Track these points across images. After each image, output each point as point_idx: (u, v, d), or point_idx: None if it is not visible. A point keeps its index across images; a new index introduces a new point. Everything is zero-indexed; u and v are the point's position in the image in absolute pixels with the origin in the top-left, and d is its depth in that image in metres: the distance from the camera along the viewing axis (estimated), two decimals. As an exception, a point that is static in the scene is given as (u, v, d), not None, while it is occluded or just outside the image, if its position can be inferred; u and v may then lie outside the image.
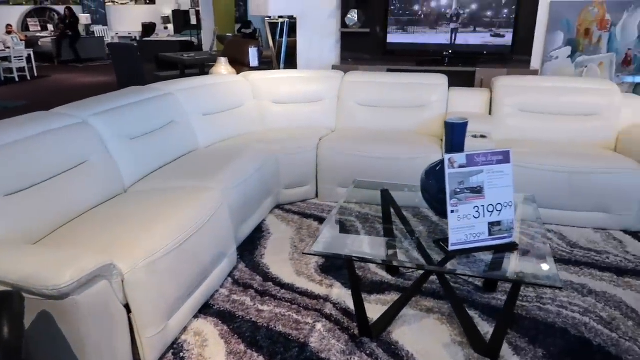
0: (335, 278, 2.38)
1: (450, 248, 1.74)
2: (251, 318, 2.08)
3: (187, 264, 1.96)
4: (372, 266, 2.48)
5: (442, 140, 3.28)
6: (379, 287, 2.30)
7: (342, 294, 2.24)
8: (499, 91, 3.42)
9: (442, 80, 3.59)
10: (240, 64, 4.94)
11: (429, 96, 3.54)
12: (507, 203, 1.78)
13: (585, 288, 2.29)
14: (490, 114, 3.47)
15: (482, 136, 3.10)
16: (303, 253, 2.40)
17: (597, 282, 2.34)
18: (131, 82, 5.80)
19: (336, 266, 2.49)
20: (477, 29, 4.19)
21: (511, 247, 1.79)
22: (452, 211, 1.73)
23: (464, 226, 1.75)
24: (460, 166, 1.74)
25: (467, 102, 3.54)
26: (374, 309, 2.14)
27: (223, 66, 4.19)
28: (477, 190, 1.75)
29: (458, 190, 1.74)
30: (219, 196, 2.31)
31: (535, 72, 3.98)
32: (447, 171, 1.72)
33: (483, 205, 1.76)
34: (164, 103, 2.98)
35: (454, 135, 1.95)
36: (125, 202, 2.24)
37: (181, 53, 6.74)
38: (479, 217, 1.76)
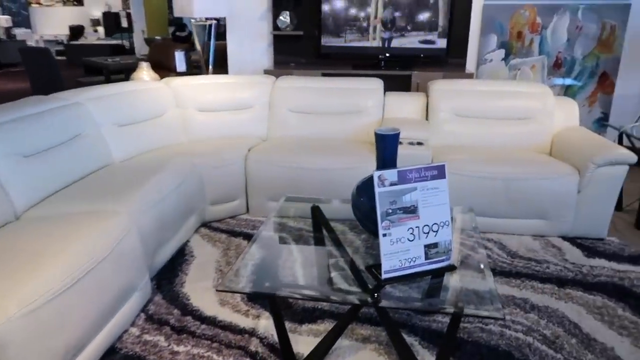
0: (264, 306, 2.15)
1: (384, 276, 1.56)
2: (164, 362, 1.81)
3: (82, 306, 1.67)
4: (305, 290, 2.26)
5: (378, 148, 3.12)
6: (311, 315, 2.08)
7: (269, 327, 2.01)
8: (434, 95, 3.31)
9: (377, 84, 3.44)
10: (167, 69, 4.62)
11: (365, 101, 3.38)
12: (444, 222, 1.61)
13: (527, 303, 2.18)
14: (427, 119, 3.36)
15: (419, 143, 2.97)
16: (216, 290, 2.16)
17: (538, 296, 2.24)
18: (48, 89, 5.31)
19: (265, 292, 2.26)
20: (412, 32, 4.09)
21: (449, 270, 1.63)
22: (384, 235, 1.55)
23: (398, 251, 1.57)
24: (392, 184, 1.56)
25: (403, 107, 3.41)
26: (306, 341, 1.92)
27: (145, 71, 3.87)
28: (411, 210, 1.58)
29: (390, 210, 1.55)
30: (127, 221, 2.03)
31: (470, 75, 3.93)
32: (377, 190, 1.54)
33: (418, 227, 1.58)
34: (70, 114, 2.64)
35: (385, 147, 1.77)
36: (13, 233, 1.91)
37: (105, 58, 6.28)
38: (413, 239, 1.58)
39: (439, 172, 1.60)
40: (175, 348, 1.88)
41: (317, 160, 2.90)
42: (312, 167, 2.89)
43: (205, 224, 2.97)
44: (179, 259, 2.56)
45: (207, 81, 3.46)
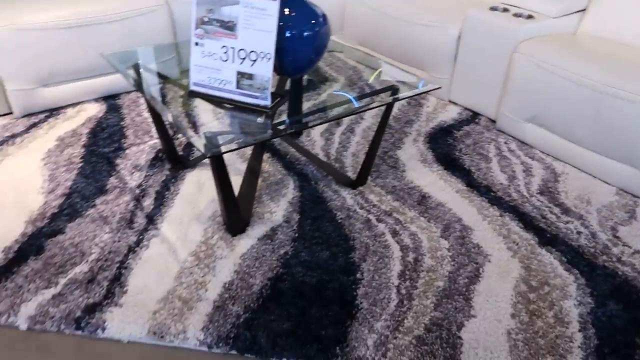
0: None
1: (192, 87, 1.49)
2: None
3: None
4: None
5: None
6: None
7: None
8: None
9: None
10: None
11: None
12: (265, 54, 1.37)
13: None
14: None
15: (529, 16, 2.20)
16: None
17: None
18: None
19: None
20: None
21: (262, 111, 1.42)
22: (197, 44, 1.44)
23: (208, 66, 1.45)
24: (214, -11, 1.38)
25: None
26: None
27: None
28: (229, 27, 1.39)
29: (206, 19, 1.41)
30: None
31: None
32: (196, -10, 1.40)
33: (233, 47, 1.40)
34: None
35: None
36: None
37: None
38: (227, 60, 1.42)
39: (271, -9, 1.32)
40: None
41: (401, 8, 2.52)
42: (395, 16, 2.54)
43: None
44: None
45: None
